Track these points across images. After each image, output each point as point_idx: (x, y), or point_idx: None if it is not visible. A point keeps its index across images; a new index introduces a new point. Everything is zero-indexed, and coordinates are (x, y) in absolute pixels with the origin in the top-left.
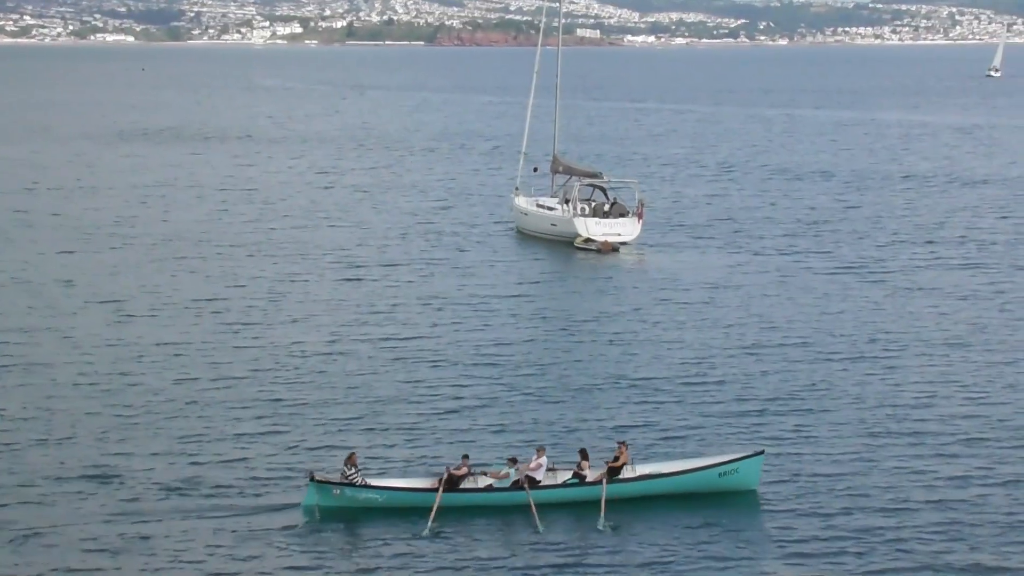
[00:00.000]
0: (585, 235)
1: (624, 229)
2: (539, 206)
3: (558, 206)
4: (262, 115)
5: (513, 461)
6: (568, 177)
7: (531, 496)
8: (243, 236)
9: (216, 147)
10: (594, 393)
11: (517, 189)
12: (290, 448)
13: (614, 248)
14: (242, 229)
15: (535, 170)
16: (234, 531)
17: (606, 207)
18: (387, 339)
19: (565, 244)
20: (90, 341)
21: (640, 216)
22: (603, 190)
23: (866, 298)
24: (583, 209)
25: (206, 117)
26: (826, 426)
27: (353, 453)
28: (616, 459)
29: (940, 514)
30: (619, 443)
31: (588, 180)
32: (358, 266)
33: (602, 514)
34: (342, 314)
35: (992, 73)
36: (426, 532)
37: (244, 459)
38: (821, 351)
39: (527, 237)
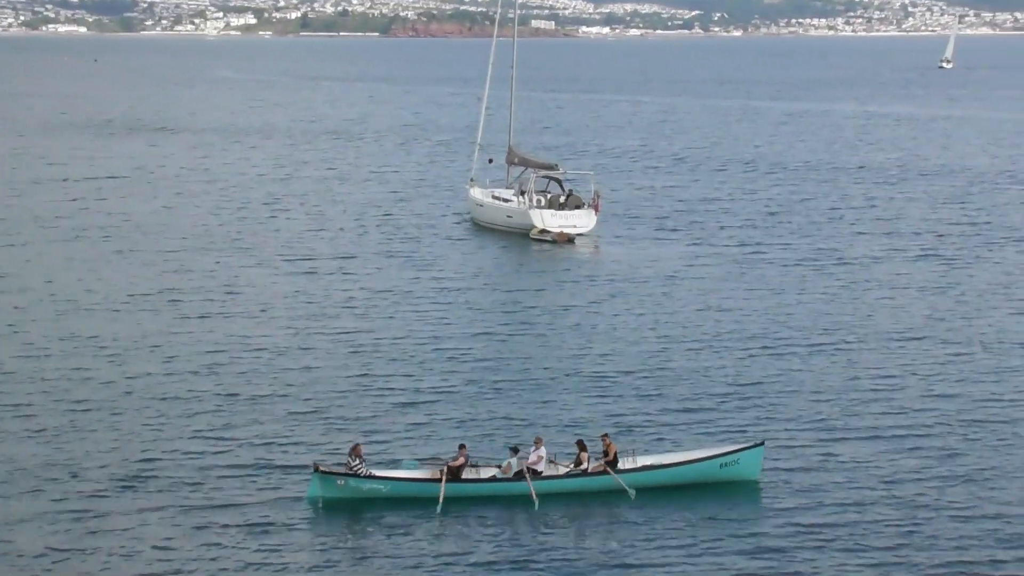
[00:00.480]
0: (541, 227)
1: (580, 221)
2: (494, 198)
3: (514, 198)
4: (217, 107)
5: (515, 450)
6: (523, 169)
7: (534, 487)
8: (199, 228)
9: (170, 139)
10: (552, 385)
11: (472, 180)
12: (248, 442)
13: (570, 240)
14: (198, 221)
15: (490, 161)
16: (224, 524)
17: (562, 199)
18: (343, 332)
19: (521, 236)
20: (42, 334)
21: (596, 208)
22: (559, 182)
23: (823, 290)
24: (539, 201)
25: (160, 109)
26: (784, 420)
27: (358, 444)
28: (605, 452)
29: (898, 511)
30: (602, 436)
31: (544, 172)
32: (313, 259)
33: (630, 491)
34: (298, 307)
35: (944, 64)
36: (438, 509)
37: (202, 452)
38: (778, 343)
39: (482, 229)
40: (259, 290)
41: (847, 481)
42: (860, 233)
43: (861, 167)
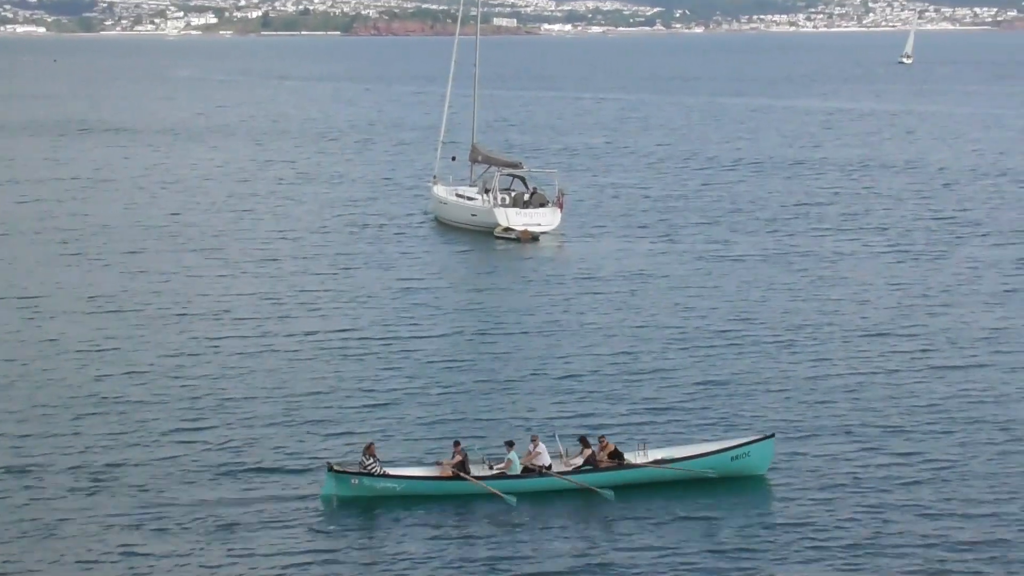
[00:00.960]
0: (505, 225)
1: (544, 219)
2: (458, 196)
3: (478, 196)
4: (179, 107)
5: (511, 445)
6: (487, 167)
7: (552, 482)
8: (162, 229)
9: (131, 139)
10: (518, 385)
11: (435, 178)
12: (213, 444)
13: (534, 238)
14: (161, 223)
15: (453, 159)
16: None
17: (526, 197)
18: (308, 333)
19: (485, 234)
20: (3, 338)
21: (560, 205)
22: (523, 180)
23: (790, 286)
24: (503, 199)
25: (120, 109)
26: (749, 417)
27: (371, 443)
28: (615, 453)
29: (867, 506)
30: (600, 438)
31: (507, 170)
32: (278, 259)
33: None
34: (263, 308)
35: (904, 60)
36: (513, 501)
37: (173, 456)
38: (745, 340)
39: (446, 227)
40: (222, 292)
41: (821, 476)
42: (826, 228)
43: (826, 163)
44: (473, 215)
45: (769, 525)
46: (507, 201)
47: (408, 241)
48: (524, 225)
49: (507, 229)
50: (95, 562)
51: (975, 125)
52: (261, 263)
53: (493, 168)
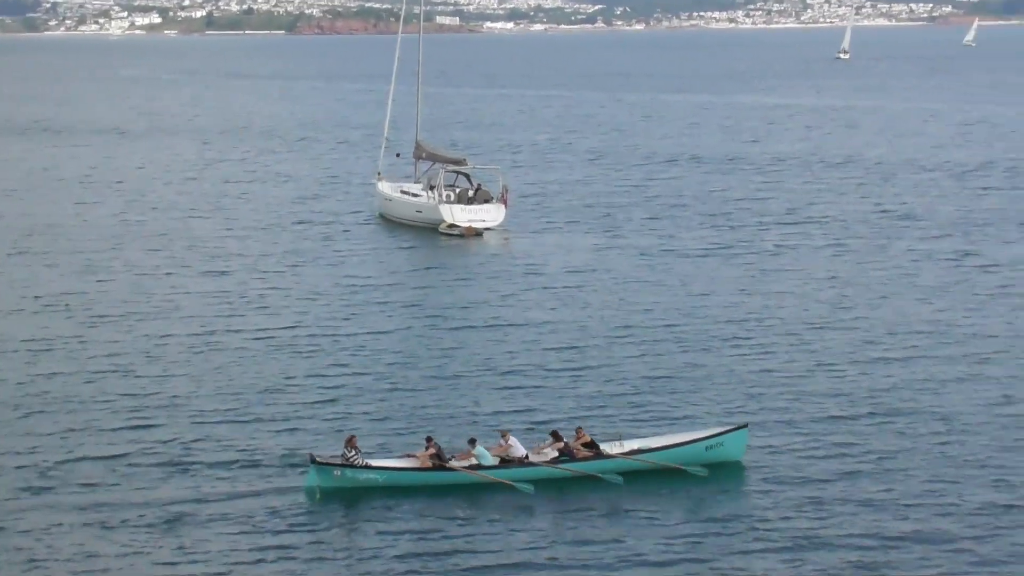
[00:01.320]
0: (450, 221)
1: (489, 215)
2: (403, 192)
3: (422, 192)
4: (124, 106)
5: (473, 442)
6: (431, 163)
7: (536, 472)
8: (109, 228)
9: (78, 139)
10: (465, 379)
11: (380, 175)
12: (163, 441)
13: (479, 233)
14: (108, 222)
15: (398, 156)
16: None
17: (470, 193)
18: (257, 330)
19: (430, 230)
20: None
21: (504, 201)
22: (467, 176)
23: (733, 279)
24: (447, 195)
25: (67, 109)
26: (692, 407)
27: (353, 436)
28: (591, 444)
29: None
30: (577, 428)
31: (452, 166)
32: (225, 257)
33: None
34: (211, 306)
35: (841, 55)
36: (529, 489)
37: (123, 454)
38: (688, 333)
39: (392, 223)
40: (170, 290)
41: (761, 469)
42: (767, 222)
43: (766, 157)
44: (418, 211)
45: (722, 517)
46: (451, 197)
47: (354, 238)
48: (469, 221)
49: (452, 225)
50: (49, 560)
51: (912, 119)
52: (208, 260)
53: (437, 165)
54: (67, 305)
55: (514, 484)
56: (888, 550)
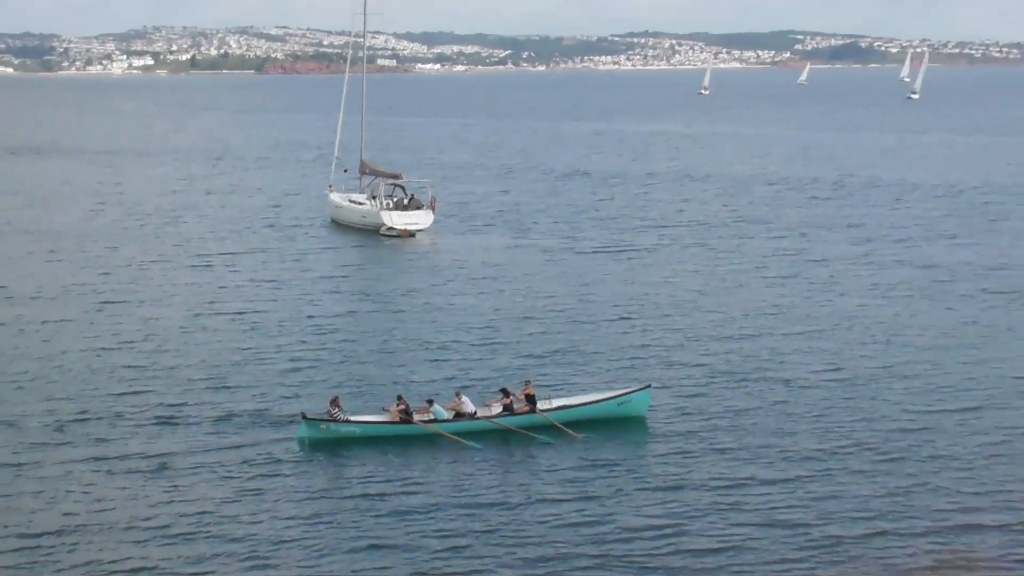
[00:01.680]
0: (389, 224)
1: (420, 219)
2: (350, 201)
3: (366, 201)
4: (123, 132)
5: (431, 402)
6: (373, 178)
7: (480, 425)
8: (110, 231)
9: (85, 158)
10: (403, 351)
11: (331, 187)
12: (158, 404)
13: (412, 234)
14: (109, 225)
15: (345, 171)
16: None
17: (405, 201)
18: (234, 312)
19: (372, 232)
20: None
21: (433, 208)
22: (403, 188)
23: (618, 272)
24: (387, 203)
25: (75, 134)
26: (586, 375)
27: (336, 396)
28: (529, 397)
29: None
30: (525, 382)
31: (390, 180)
32: (206, 254)
33: (568, 431)
34: (195, 293)
35: (703, 92)
36: (478, 445)
37: (125, 413)
38: (584, 315)
39: (341, 227)
40: (162, 281)
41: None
42: (647, 227)
43: (645, 174)
44: (363, 217)
45: (614, 460)
46: (390, 205)
47: (311, 238)
48: (404, 224)
49: (390, 228)
50: (64, 499)
51: (759, 143)
52: (193, 256)
53: (378, 179)
54: (77, 293)
55: (460, 439)
56: (743, 488)
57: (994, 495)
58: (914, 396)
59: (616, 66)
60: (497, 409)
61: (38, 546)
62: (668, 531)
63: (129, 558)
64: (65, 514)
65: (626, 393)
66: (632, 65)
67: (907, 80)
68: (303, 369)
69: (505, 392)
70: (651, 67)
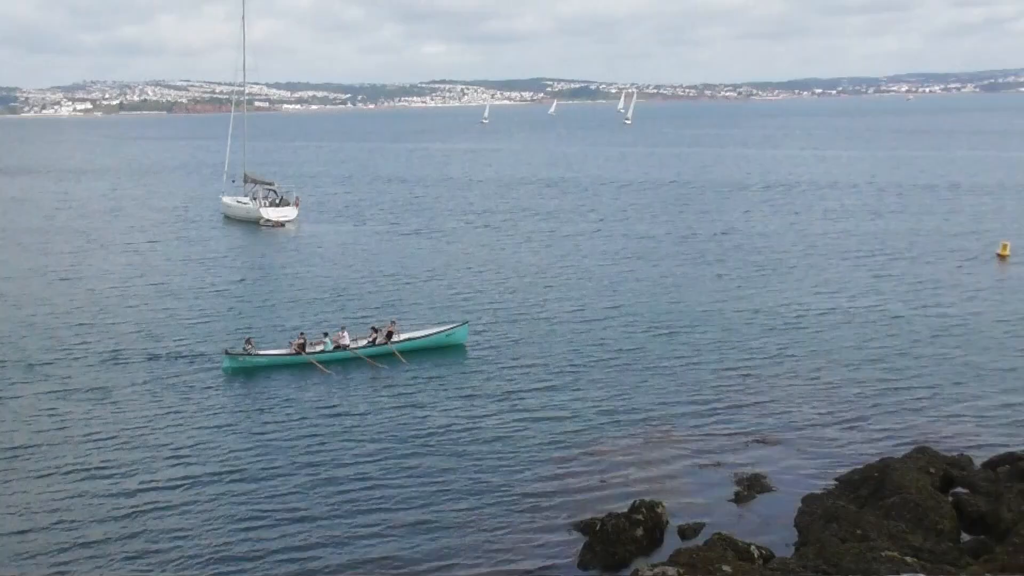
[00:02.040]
0: (266, 217)
1: (288, 213)
2: (238, 202)
3: (249, 201)
4: (71, 156)
5: (325, 335)
6: (254, 184)
7: (360, 352)
8: (64, 229)
9: (45, 176)
10: (277, 307)
11: (223, 193)
12: (102, 350)
13: (282, 224)
14: (63, 225)
15: (233, 181)
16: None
17: (277, 201)
18: (154, 283)
19: (254, 223)
20: None
21: (296, 205)
22: (275, 191)
23: (429, 246)
24: (263, 203)
25: (32, 158)
26: (419, 318)
27: (250, 338)
28: (389, 333)
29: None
30: (391, 321)
31: (265, 186)
32: (132, 243)
33: (400, 358)
34: (125, 271)
35: (484, 121)
36: (329, 372)
37: (74, 357)
38: (414, 273)
39: (231, 220)
40: (102, 263)
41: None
42: (449, 215)
43: (439, 177)
44: (247, 213)
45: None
46: (266, 204)
47: (211, 229)
48: (277, 217)
49: (267, 220)
50: (26, 418)
51: (524, 155)
52: (122, 245)
53: (258, 185)
54: (40, 273)
55: (322, 367)
56: (525, 393)
57: (689, 391)
58: (634, 326)
59: (423, 104)
60: (363, 343)
61: (14, 456)
62: (470, 426)
63: (81, 461)
64: (35, 432)
65: (451, 328)
66: (435, 103)
67: (622, 111)
68: (210, 321)
69: (374, 329)
70: (448, 104)
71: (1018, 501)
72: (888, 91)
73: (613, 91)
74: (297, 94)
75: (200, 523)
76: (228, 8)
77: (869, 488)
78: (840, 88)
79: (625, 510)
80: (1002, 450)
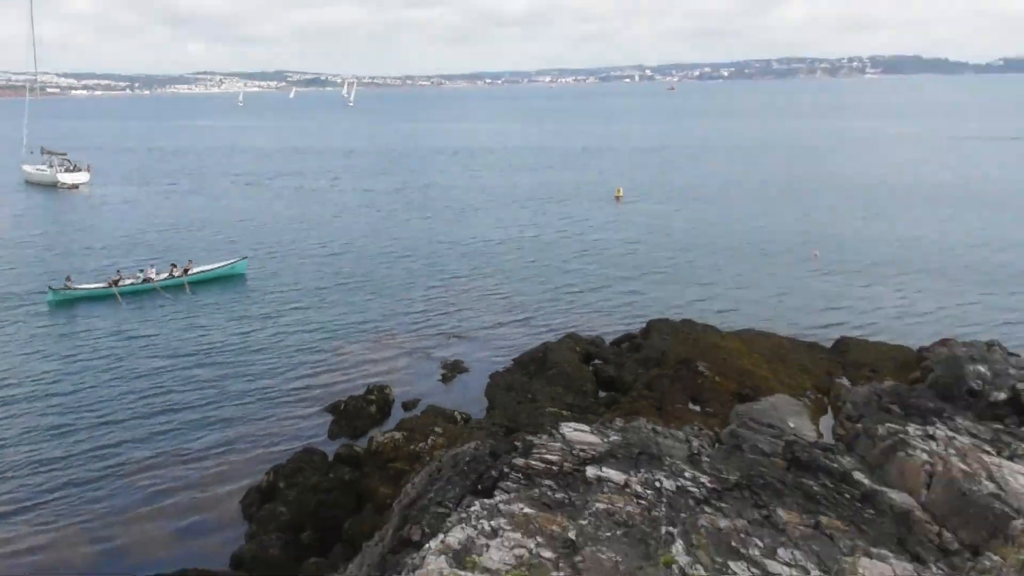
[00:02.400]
0: (62, 181)
1: (80, 178)
2: (37, 169)
3: (47, 169)
4: None
5: (141, 271)
6: (51, 155)
7: (158, 284)
8: None
9: None
10: (81, 247)
11: (24, 163)
12: None
13: (76, 187)
14: None
15: (31, 152)
16: None
17: (71, 168)
18: None
19: (52, 187)
20: None
21: (89, 171)
22: (68, 160)
23: (209, 203)
24: (59, 169)
25: None
26: (206, 253)
27: (69, 276)
28: (186, 270)
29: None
30: (189, 261)
31: (60, 156)
32: None
33: (188, 289)
34: None
35: (239, 103)
36: (122, 304)
37: None
38: (189, 228)
39: (33, 185)
40: None
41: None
42: (219, 177)
43: (209, 148)
44: (46, 178)
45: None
46: (61, 170)
47: (16, 193)
48: (71, 181)
49: (63, 183)
50: None
51: (274, 131)
52: None
53: (54, 156)
54: None
55: (118, 297)
56: (271, 318)
57: (405, 303)
58: (364, 259)
59: (190, 90)
60: (164, 275)
61: None
62: (241, 341)
63: None
64: None
65: (233, 262)
66: (199, 90)
67: (346, 96)
68: (30, 262)
69: (172, 265)
70: (210, 91)
71: (634, 368)
72: (536, 81)
73: (339, 81)
74: (84, 82)
75: (18, 433)
76: (20, 11)
77: (536, 365)
78: (503, 79)
79: (362, 393)
80: (623, 332)
